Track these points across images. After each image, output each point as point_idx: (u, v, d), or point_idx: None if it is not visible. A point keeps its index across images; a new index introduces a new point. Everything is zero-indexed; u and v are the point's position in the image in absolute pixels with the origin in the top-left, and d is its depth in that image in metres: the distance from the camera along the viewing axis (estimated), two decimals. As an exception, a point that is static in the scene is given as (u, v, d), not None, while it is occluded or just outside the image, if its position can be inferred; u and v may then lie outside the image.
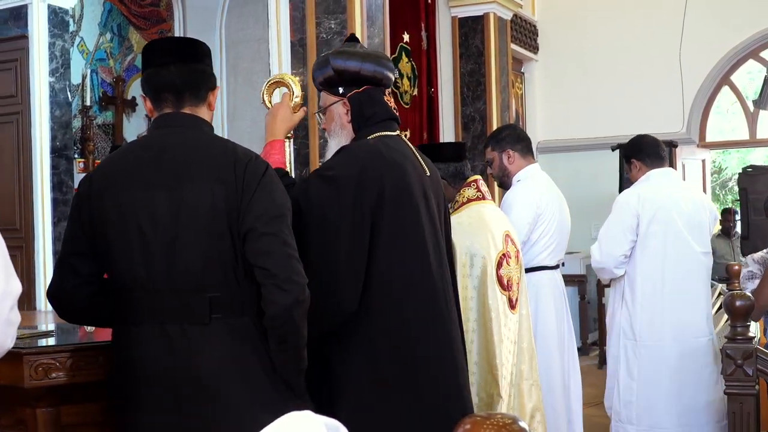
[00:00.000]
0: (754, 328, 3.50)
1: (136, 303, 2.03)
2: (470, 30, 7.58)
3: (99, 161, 7.01)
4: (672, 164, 7.72)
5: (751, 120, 8.61)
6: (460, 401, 2.32)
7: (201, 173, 2.03)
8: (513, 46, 8.06)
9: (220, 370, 1.99)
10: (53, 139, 6.07)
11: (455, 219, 2.97)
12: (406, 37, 7.01)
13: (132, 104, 7.77)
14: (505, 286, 3.02)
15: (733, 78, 8.48)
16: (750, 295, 2.88)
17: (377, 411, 2.22)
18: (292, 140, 2.63)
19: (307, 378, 2.15)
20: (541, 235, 3.64)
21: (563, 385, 3.65)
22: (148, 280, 2.01)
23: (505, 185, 3.81)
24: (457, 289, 2.57)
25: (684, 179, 8.19)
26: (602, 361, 6.54)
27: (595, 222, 4.19)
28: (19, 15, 6.15)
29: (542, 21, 8.78)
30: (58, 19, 6.21)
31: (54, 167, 6.05)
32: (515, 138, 3.77)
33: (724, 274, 6.87)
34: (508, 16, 7.85)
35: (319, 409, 1.50)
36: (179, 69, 2.13)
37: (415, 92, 7.18)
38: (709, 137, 8.73)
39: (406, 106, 7.02)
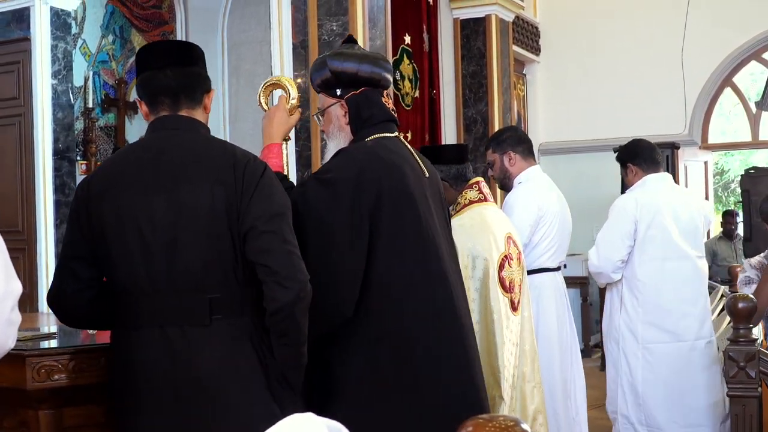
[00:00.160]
0: (757, 331, 3.51)
1: (136, 306, 2.03)
2: (472, 32, 7.59)
3: (101, 163, 7.03)
4: (674, 166, 7.73)
5: (754, 122, 8.61)
6: (469, 401, 2.30)
7: (200, 175, 2.03)
8: (515, 48, 8.06)
9: (220, 372, 1.99)
10: (55, 141, 6.09)
11: (457, 221, 2.98)
12: (407, 39, 7.02)
13: (134, 106, 7.78)
14: (507, 288, 3.02)
15: (736, 79, 8.48)
16: (752, 297, 2.89)
17: (377, 412, 2.22)
18: (289, 142, 2.62)
19: (307, 378, 2.15)
20: (543, 237, 3.65)
21: (565, 387, 3.65)
22: (147, 282, 2.01)
23: (506, 187, 3.81)
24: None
25: (686, 181, 8.21)
26: (604, 364, 6.54)
27: (597, 224, 4.20)
28: (22, 17, 6.17)
29: (544, 23, 8.78)
30: (60, 22, 6.22)
31: (56, 169, 6.07)
32: (516, 140, 3.77)
33: (726, 277, 6.87)
34: (509, 17, 7.86)
35: (319, 410, 1.50)
36: (175, 72, 2.13)
37: (417, 94, 7.18)
38: (712, 139, 8.73)
39: (408, 108, 7.02)
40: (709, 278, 7.29)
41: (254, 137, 7.26)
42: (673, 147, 7.81)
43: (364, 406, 2.22)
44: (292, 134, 5.26)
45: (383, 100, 2.44)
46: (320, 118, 2.50)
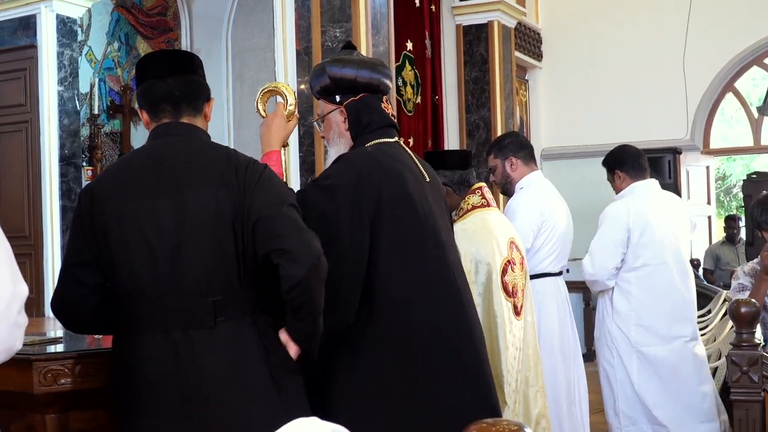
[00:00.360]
0: (759, 334, 3.54)
1: (139, 311, 2.04)
2: (474, 38, 7.62)
3: (103, 170, 7.07)
4: (676, 171, 7.75)
5: (755, 127, 8.62)
6: (479, 402, 2.30)
7: (204, 179, 2.05)
8: (517, 54, 8.09)
9: (225, 373, 2.01)
10: (62, 147, 6.11)
11: (460, 226, 2.99)
12: (409, 45, 7.06)
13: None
14: (510, 292, 3.02)
15: (737, 85, 8.49)
16: (755, 302, 2.90)
17: (380, 416, 2.22)
18: (291, 148, 2.61)
19: (311, 382, 2.17)
20: (545, 242, 3.67)
21: (568, 392, 3.66)
22: (151, 287, 2.02)
23: (508, 192, 3.83)
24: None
25: (688, 186, 8.25)
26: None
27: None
28: (28, 24, 6.20)
29: (546, 29, 8.81)
30: (66, 29, 6.25)
31: (62, 175, 6.09)
32: (518, 145, 3.79)
33: (728, 281, 6.87)
34: (512, 24, 7.89)
35: (323, 414, 1.51)
36: (176, 80, 2.15)
37: (419, 100, 7.22)
38: (713, 144, 8.74)
39: (410, 114, 7.06)
40: (712, 282, 7.35)
41: (258, 143, 7.25)
42: (675, 152, 7.83)
43: (367, 411, 2.22)
44: (294, 140, 5.34)
45: (383, 105, 2.44)
46: (320, 124, 2.50)
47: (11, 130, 6.25)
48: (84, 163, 6.80)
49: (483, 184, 3.20)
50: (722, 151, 10.05)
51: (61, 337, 2.67)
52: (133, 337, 2.05)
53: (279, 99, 2.57)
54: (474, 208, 3.12)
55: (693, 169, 8.40)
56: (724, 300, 4.81)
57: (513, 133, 4.22)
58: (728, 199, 15.53)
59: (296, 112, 2.53)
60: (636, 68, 8.35)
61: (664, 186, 7.43)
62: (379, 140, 2.39)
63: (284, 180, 2.44)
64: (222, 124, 8.12)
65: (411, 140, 6.90)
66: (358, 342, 2.24)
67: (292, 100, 2.52)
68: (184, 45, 8.19)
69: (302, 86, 5.28)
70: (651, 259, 3.79)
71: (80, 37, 6.90)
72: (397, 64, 6.70)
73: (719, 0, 8.10)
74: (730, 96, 8.57)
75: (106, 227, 2.05)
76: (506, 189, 3.82)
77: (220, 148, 2.16)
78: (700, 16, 8.08)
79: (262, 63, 7.85)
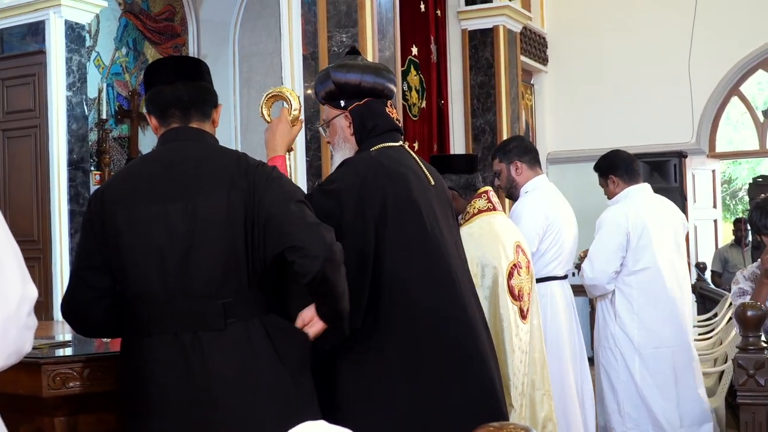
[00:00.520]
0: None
1: (149, 314, 2.05)
2: (480, 42, 7.65)
3: (113, 174, 7.11)
4: (682, 175, 7.75)
5: (761, 130, 8.62)
6: (486, 405, 2.30)
7: (215, 183, 2.06)
8: (523, 58, 8.11)
9: (233, 376, 2.02)
10: (70, 152, 6.16)
11: (466, 230, 2.99)
12: (414, 50, 7.08)
13: (147, 117, 7.87)
14: (516, 296, 3.02)
15: (743, 88, 8.49)
16: (762, 305, 2.90)
17: (387, 420, 2.23)
18: (297, 153, 2.62)
19: (318, 386, 2.17)
20: (550, 246, 3.68)
21: (575, 395, 3.67)
22: (161, 291, 2.03)
23: (513, 196, 3.84)
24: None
25: (694, 190, 8.25)
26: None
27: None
28: (37, 30, 6.25)
29: (551, 33, 8.83)
30: (74, 35, 6.30)
31: (71, 179, 6.14)
32: (523, 149, 3.80)
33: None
34: (517, 28, 7.91)
35: (330, 418, 1.52)
36: (185, 86, 2.17)
37: (424, 104, 7.24)
38: (719, 148, 8.74)
39: (415, 119, 7.08)
40: (719, 285, 7.35)
41: (265, 148, 7.31)
42: (681, 156, 7.83)
43: (373, 413, 2.22)
44: (301, 145, 5.37)
45: (387, 110, 2.45)
46: (325, 129, 2.51)
47: (20, 134, 6.30)
48: (92, 168, 6.83)
49: (489, 188, 3.21)
50: (728, 155, 10.04)
51: (69, 341, 2.70)
52: (142, 340, 2.06)
53: (284, 104, 2.58)
54: (480, 212, 3.12)
55: (699, 172, 8.40)
56: (731, 303, 4.81)
57: (518, 138, 4.24)
58: (734, 202, 15.51)
59: (301, 117, 2.54)
60: (641, 72, 8.36)
61: (670, 190, 7.50)
62: (383, 144, 2.40)
63: None
64: (229, 129, 8.16)
65: (416, 144, 6.93)
66: (363, 345, 2.24)
67: (296, 104, 2.54)
68: (192, 50, 8.24)
69: (309, 91, 5.31)
70: (650, 262, 3.85)
71: (88, 43, 6.95)
72: (403, 68, 6.72)
73: (724, 4, 8.11)
74: (735, 100, 8.57)
75: (116, 231, 2.06)
76: (511, 193, 3.84)
77: (229, 152, 2.18)
78: (705, 20, 8.08)
79: (269, 68, 7.89)
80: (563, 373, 3.58)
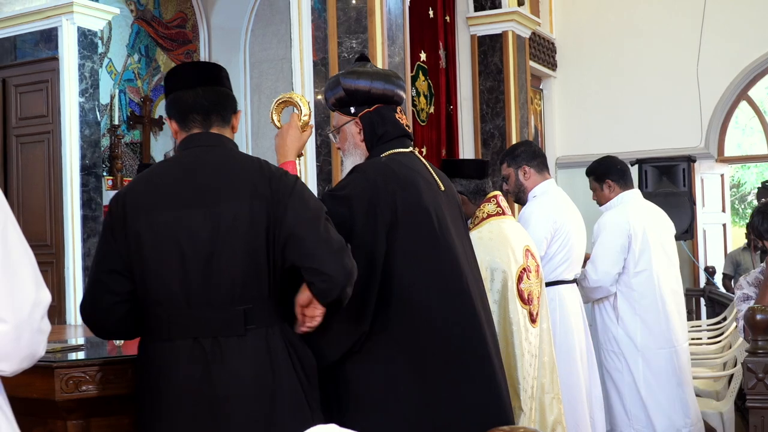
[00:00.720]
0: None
1: (170, 319, 2.05)
2: (489, 48, 7.68)
3: (127, 179, 7.15)
4: (691, 179, 7.76)
5: (770, 135, 8.63)
6: (493, 411, 2.31)
7: (238, 191, 2.07)
8: (531, 63, 8.14)
9: (252, 380, 2.03)
10: (83, 157, 6.21)
11: (475, 234, 3.00)
12: (423, 55, 7.12)
13: (159, 123, 7.92)
14: (525, 300, 3.03)
15: (751, 93, 8.50)
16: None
17: (394, 423, 2.24)
18: (307, 158, 2.63)
19: (327, 390, 2.20)
20: (558, 250, 3.69)
21: (584, 399, 3.67)
22: (183, 296, 2.03)
23: (521, 201, 3.85)
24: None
25: (703, 194, 8.26)
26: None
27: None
28: (50, 37, 6.31)
29: (560, 38, 8.85)
30: (87, 41, 6.36)
31: (83, 185, 6.19)
32: (531, 154, 3.82)
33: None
34: (526, 34, 7.94)
35: (339, 422, 1.54)
36: (206, 91, 2.18)
37: (432, 110, 7.27)
38: (728, 152, 8.74)
39: (423, 124, 7.11)
40: (729, 288, 7.33)
41: (276, 154, 7.35)
42: (690, 160, 7.83)
43: (381, 417, 2.24)
44: (311, 150, 5.40)
45: (397, 116, 2.46)
46: (335, 135, 2.52)
47: (34, 140, 6.36)
48: (104, 173, 6.88)
49: (498, 192, 3.21)
50: (737, 159, 10.04)
51: (82, 345, 2.69)
52: (162, 344, 2.07)
53: (294, 109, 2.59)
54: (489, 216, 3.13)
55: (707, 177, 8.40)
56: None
57: (526, 142, 4.26)
58: (743, 206, 15.47)
59: (311, 123, 2.56)
60: (650, 77, 8.37)
61: (679, 194, 7.50)
62: (394, 150, 2.42)
63: None
64: (240, 134, 8.21)
65: (424, 149, 6.96)
66: (373, 348, 2.25)
67: (306, 110, 2.55)
68: (203, 56, 8.29)
69: (319, 96, 5.35)
70: (648, 265, 3.93)
71: (101, 50, 7.01)
72: (411, 74, 6.76)
73: (733, 9, 8.11)
74: (744, 104, 8.57)
75: (138, 236, 2.06)
76: (519, 197, 3.85)
77: (251, 159, 2.18)
78: (714, 25, 8.09)
79: (279, 74, 7.95)
80: (572, 376, 3.58)
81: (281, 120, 2.63)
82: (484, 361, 2.34)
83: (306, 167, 5.02)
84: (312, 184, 5.19)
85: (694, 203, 7.78)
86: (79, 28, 6.29)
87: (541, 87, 8.77)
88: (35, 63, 6.38)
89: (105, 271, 2.10)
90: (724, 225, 8.74)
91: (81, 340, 2.98)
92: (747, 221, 8.89)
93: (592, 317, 4.11)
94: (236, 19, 8.45)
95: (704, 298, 7.58)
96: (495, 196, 3.19)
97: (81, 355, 2.48)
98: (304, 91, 5.42)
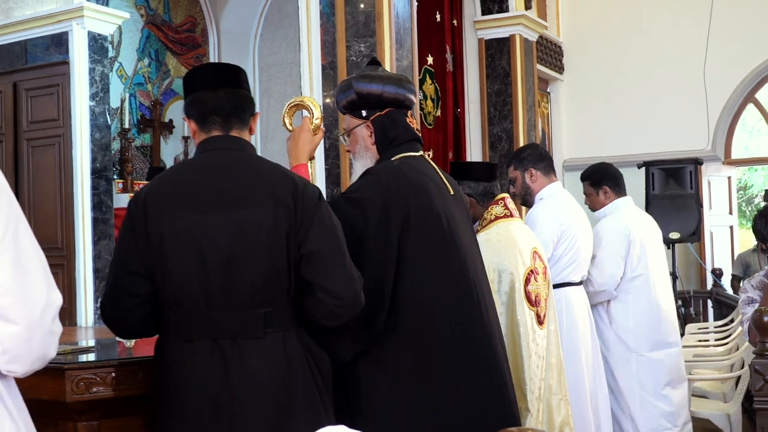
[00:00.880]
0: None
1: (189, 321, 2.05)
2: (496, 51, 7.71)
3: (137, 182, 7.20)
4: (698, 182, 7.76)
5: (777, 137, 8.62)
6: (501, 413, 2.33)
7: (262, 196, 2.07)
8: (539, 67, 8.16)
9: (270, 381, 2.04)
10: (93, 160, 6.23)
11: (483, 236, 3.02)
12: (429, 59, 7.15)
13: (169, 127, 7.97)
14: (533, 301, 3.04)
15: (758, 95, 8.50)
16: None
17: (402, 424, 2.25)
18: (317, 161, 2.64)
19: (337, 392, 2.21)
20: (565, 252, 3.70)
21: (589, 401, 3.69)
22: (203, 298, 2.03)
23: (527, 203, 3.87)
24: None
25: (710, 196, 8.27)
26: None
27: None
28: (60, 42, 6.34)
29: (567, 42, 8.88)
30: (97, 46, 6.38)
31: (94, 188, 6.21)
32: (537, 157, 3.84)
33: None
34: (533, 37, 7.97)
35: (349, 423, 1.56)
36: (226, 92, 2.17)
37: (439, 113, 7.30)
38: (735, 154, 8.74)
39: (430, 127, 7.14)
40: (737, 290, 7.33)
41: (285, 157, 7.36)
42: (697, 163, 7.83)
43: (389, 418, 2.25)
44: (320, 153, 5.43)
45: (408, 120, 2.48)
46: (346, 138, 2.53)
47: (45, 144, 6.39)
48: (115, 176, 6.92)
49: (506, 195, 3.23)
50: (743, 162, 10.03)
51: (93, 347, 2.69)
52: (181, 344, 2.07)
53: (305, 113, 2.61)
54: (497, 218, 3.15)
55: (714, 179, 8.41)
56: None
57: (533, 145, 4.29)
58: (750, 209, 15.44)
59: (322, 126, 2.57)
60: (657, 80, 8.38)
61: (686, 196, 7.50)
62: (404, 154, 2.44)
63: None
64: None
65: (431, 152, 6.99)
66: (381, 349, 2.27)
67: (318, 113, 2.56)
68: (212, 60, 8.32)
69: (327, 100, 5.38)
70: (645, 270, 4.01)
71: (111, 54, 7.04)
72: (419, 77, 6.80)
73: (740, 11, 8.12)
74: (751, 107, 8.58)
75: (160, 238, 2.06)
76: (526, 200, 3.87)
77: (274, 166, 2.19)
78: (720, 28, 8.10)
79: (288, 77, 7.99)
80: (578, 378, 3.59)
81: (293, 123, 2.64)
82: (490, 362, 2.36)
83: (315, 170, 5.03)
84: (320, 186, 5.20)
85: (701, 205, 7.78)
86: (89, 33, 6.30)
87: (548, 90, 8.80)
88: (46, 67, 6.40)
89: (125, 273, 2.10)
90: (731, 227, 8.75)
91: (91, 342, 3.00)
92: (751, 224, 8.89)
93: None
94: (245, 23, 8.50)
95: (711, 300, 7.60)
96: (503, 199, 3.20)
97: (91, 356, 2.48)
98: (313, 95, 5.45)
